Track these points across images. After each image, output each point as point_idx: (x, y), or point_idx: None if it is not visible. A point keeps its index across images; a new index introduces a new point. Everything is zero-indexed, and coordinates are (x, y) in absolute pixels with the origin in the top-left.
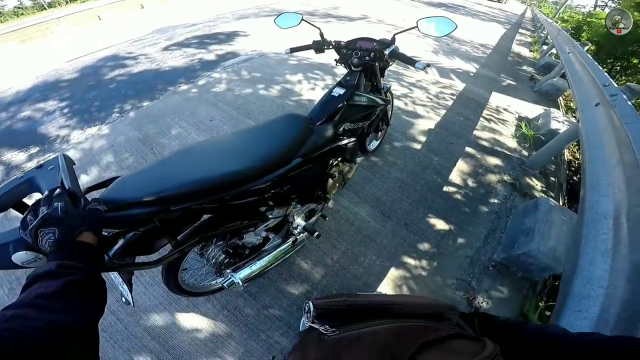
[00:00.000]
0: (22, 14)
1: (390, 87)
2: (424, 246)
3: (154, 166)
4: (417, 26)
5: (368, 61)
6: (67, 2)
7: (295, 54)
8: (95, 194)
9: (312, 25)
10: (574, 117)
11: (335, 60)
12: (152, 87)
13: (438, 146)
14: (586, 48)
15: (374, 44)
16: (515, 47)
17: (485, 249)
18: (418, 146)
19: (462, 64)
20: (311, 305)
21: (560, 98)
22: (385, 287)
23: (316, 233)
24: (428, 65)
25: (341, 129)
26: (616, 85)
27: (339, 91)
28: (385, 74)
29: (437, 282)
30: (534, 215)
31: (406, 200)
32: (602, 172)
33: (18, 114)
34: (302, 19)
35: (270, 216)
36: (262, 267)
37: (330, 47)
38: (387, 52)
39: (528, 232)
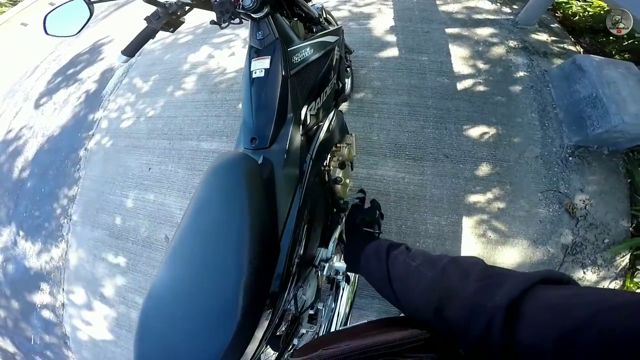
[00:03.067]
0: None
1: (323, 6)
2: (483, 170)
3: None
4: None
5: None
6: None
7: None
8: None
9: None
10: None
11: (212, 22)
12: (63, 166)
13: (416, 42)
14: None
15: None
16: None
17: (550, 136)
18: (395, 52)
19: None
20: None
21: None
22: (469, 244)
23: None
24: None
25: (308, 119)
26: None
27: (261, 65)
28: None
29: (523, 209)
30: (584, 79)
31: (427, 125)
32: None
33: None
34: (90, 2)
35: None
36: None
37: (186, 7)
38: None
39: (593, 101)
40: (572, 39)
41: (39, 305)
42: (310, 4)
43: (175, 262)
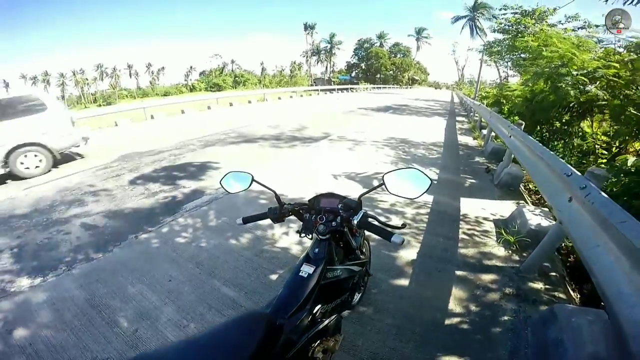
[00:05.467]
0: None
1: (363, 233)
2: None
3: None
4: (383, 183)
5: (336, 227)
6: None
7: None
8: None
9: (265, 187)
10: (545, 206)
11: (298, 232)
12: (106, 235)
13: (427, 278)
14: (522, 127)
15: (339, 206)
16: (461, 138)
17: None
18: (406, 282)
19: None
20: None
21: (522, 185)
22: None
23: None
24: (404, 226)
25: (318, 313)
26: (579, 174)
27: (307, 270)
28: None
29: None
30: (555, 325)
31: (407, 347)
32: (619, 280)
33: None
34: (253, 180)
35: None
36: None
37: (289, 214)
38: (355, 221)
39: (557, 344)
40: (574, 286)
41: None
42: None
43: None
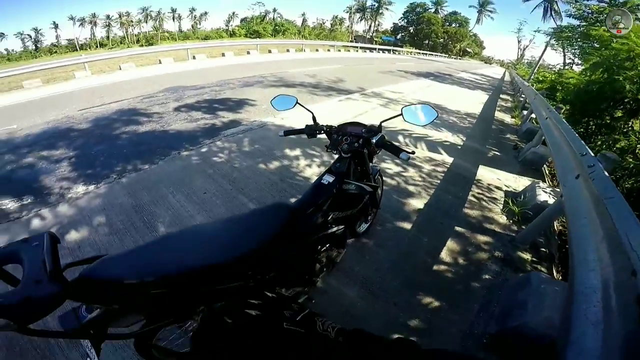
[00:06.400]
0: (56, 52)
1: (379, 170)
2: (414, 323)
3: (138, 249)
4: (401, 114)
5: (357, 148)
6: (96, 47)
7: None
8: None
9: (306, 108)
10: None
11: (326, 146)
12: (154, 150)
13: (428, 227)
14: (562, 111)
15: (362, 130)
16: (498, 114)
17: (479, 323)
18: (408, 226)
19: (449, 136)
20: None
21: (545, 166)
22: None
23: None
24: (413, 152)
25: (330, 217)
26: (592, 154)
27: (328, 179)
28: (374, 158)
29: None
30: (526, 289)
31: (395, 280)
32: (589, 248)
33: (22, 159)
34: (297, 102)
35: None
36: None
37: (322, 132)
38: (374, 140)
39: (521, 305)
40: (560, 268)
41: None
42: (372, 162)
43: (217, 223)
